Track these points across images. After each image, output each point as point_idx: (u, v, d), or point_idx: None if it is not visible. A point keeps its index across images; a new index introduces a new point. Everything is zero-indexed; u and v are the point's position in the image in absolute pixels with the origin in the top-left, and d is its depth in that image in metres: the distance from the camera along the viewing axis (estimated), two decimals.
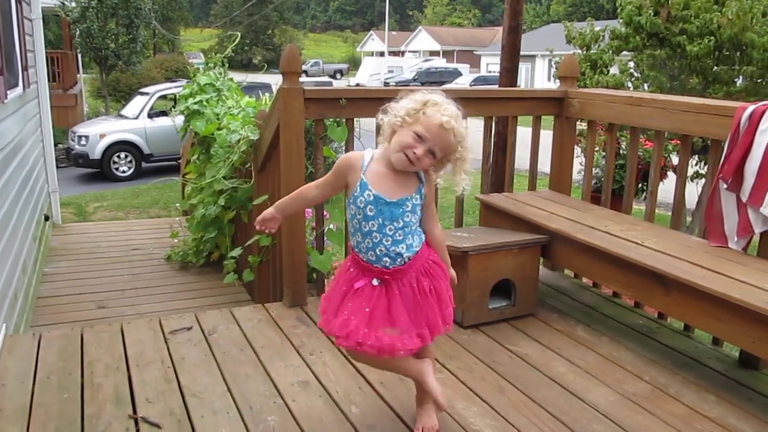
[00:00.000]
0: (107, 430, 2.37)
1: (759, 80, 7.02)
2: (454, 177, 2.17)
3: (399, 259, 2.13)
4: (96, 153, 13.30)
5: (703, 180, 7.15)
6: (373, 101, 3.67)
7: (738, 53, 7.07)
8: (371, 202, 2.09)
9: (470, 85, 31.75)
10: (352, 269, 2.21)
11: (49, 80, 7.02)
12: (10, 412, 2.48)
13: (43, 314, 4.46)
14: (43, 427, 2.38)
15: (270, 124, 3.64)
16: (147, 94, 14.48)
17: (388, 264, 2.13)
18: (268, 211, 2.32)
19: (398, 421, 2.45)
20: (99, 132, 13.53)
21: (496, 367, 2.90)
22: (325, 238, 3.76)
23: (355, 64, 60.72)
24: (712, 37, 6.86)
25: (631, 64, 8.09)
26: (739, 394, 2.71)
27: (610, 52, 7.93)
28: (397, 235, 2.12)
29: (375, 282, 2.13)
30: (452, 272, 2.33)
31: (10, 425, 2.39)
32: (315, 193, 2.29)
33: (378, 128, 2.22)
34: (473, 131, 4.00)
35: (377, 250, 2.13)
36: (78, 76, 20.78)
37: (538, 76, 38.55)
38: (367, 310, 2.12)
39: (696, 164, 7.49)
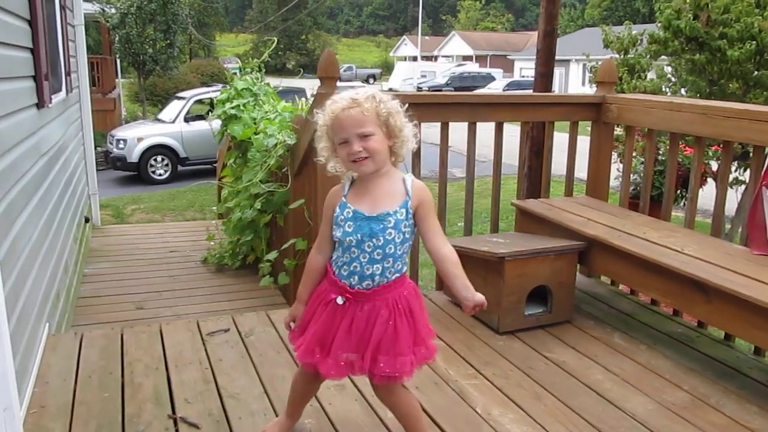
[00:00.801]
0: (147, 429, 2.41)
1: None
2: (399, 135, 2.01)
3: (367, 281, 2.02)
4: (133, 156, 13.54)
5: (743, 187, 7.02)
6: (410, 107, 3.72)
7: None
8: (350, 218, 2.01)
9: (503, 90, 31.65)
10: (322, 284, 2.15)
11: (89, 85, 7.17)
12: (54, 409, 2.54)
13: (84, 314, 4.55)
14: (84, 425, 2.43)
15: (307, 128, 3.67)
16: (183, 98, 14.71)
17: (353, 283, 2.03)
18: (296, 309, 2.21)
19: (434, 426, 2.45)
20: (137, 136, 13.78)
21: (533, 373, 2.88)
22: None
23: (388, 68, 60.90)
24: (753, 42, 6.73)
25: (669, 68, 7.97)
26: None
27: (648, 56, 7.82)
28: (375, 254, 2.00)
29: (339, 300, 2.05)
30: (478, 296, 2.03)
31: (53, 422, 2.45)
32: (320, 256, 2.14)
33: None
34: (508, 137, 4.02)
35: (351, 266, 2.03)
36: (116, 80, 21.19)
37: (572, 81, 38.22)
38: (328, 334, 2.07)
39: (735, 170, 7.35)
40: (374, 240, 1.99)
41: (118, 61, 20.65)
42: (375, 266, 2.01)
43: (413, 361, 2.06)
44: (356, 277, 2.02)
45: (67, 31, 5.78)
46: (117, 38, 18.78)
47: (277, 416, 2.49)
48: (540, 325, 3.34)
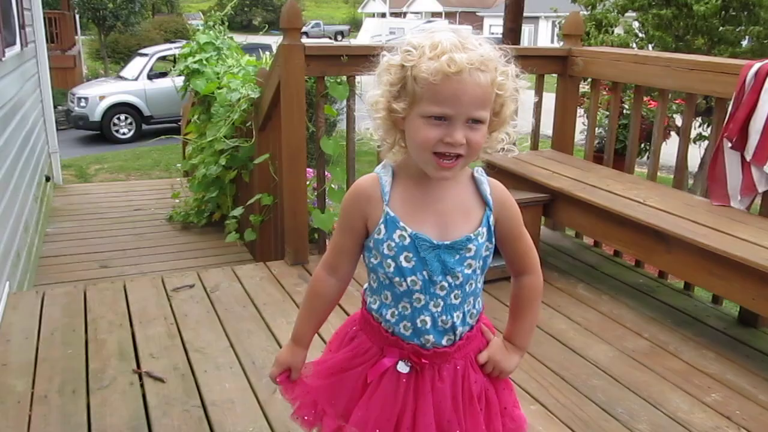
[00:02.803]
0: (112, 384, 2.40)
1: (765, 40, 6.92)
2: (501, 130, 1.31)
3: (447, 336, 1.34)
4: (96, 115, 13.21)
5: (706, 142, 7.11)
6: (375, 58, 3.67)
7: (745, 13, 6.97)
8: (408, 247, 1.28)
9: None
10: (357, 339, 1.41)
11: (47, 41, 6.95)
12: (16, 366, 2.51)
13: (47, 273, 4.48)
14: (48, 381, 2.41)
15: (270, 81, 3.61)
16: (146, 55, 14.33)
17: (428, 343, 1.33)
18: (291, 355, 1.46)
19: None
20: (99, 94, 13.42)
21: (497, 324, 2.88)
22: (327, 197, 3.76)
23: (356, 25, 60.00)
24: None
25: (636, 24, 7.98)
26: (738, 351, 2.74)
27: (616, 11, 7.82)
28: (452, 297, 1.32)
29: (403, 368, 1.34)
30: (512, 366, 1.45)
31: (16, 379, 2.42)
32: (334, 279, 1.41)
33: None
34: None
35: (417, 321, 1.32)
36: (76, 37, 20.56)
37: (541, 38, 38.12)
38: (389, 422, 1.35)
39: (699, 126, 7.45)
40: (449, 278, 1.30)
41: (78, 17, 20.03)
42: (455, 314, 1.33)
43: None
44: (431, 336, 1.33)
45: None
46: None
47: (243, 369, 2.49)
48: (505, 276, 3.34)
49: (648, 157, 4.25)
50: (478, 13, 50.19)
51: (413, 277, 1.29)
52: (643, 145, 6.90)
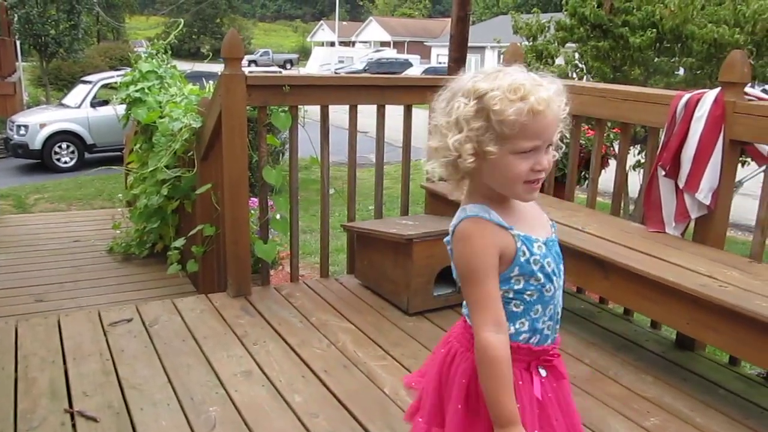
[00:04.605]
0: (42, 425, 2.30)
1: (698, 71, 7.19)
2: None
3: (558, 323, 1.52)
4: (36, 143, 12.89)
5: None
6: (317, 88, 3.68)
7: (678, 45, 7.23)
8: (546, 254, 1.42)
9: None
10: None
11: None
12: None
13: None
14: None
15: (212, 111, 3.58)
16: (90, 82, 14.09)
17: (553, 336, 1.52)
18: None
19: (341, 409, 2.44)
20: (39, 121, 13.12)
21: None
22: (270, 228, 3.73)
23: (305, 54, 60.28)
24: (654, 29, 7.01)
25: (576, 55, 8.21)
26: (675, 375, 2.79)
27: (556, 43, 8.03)
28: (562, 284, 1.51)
29: (543, 372, 1.49)
30: None
31: None
32: (504, 335, 1.38)
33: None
34: (423, 121, 4.04)
35: (557, 315, 1.49)
36: (17, 63, 20.09)
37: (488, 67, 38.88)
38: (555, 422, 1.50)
39: (638, 153, 7.66)
40: (562, 266, 1.49)
41: (18, 43, 19.60)
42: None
43: None
44: (557, 327, 1.52)
45: None
46: (16, 18, 17.81)
47: (181, 405, 2.42)
48: (449, 305, 3.38)
49: (587, 185, 4.35)
50: (425, 43, 51.02)
51: (557, 277, 1.44)
52: (583, 173, 7.06)
